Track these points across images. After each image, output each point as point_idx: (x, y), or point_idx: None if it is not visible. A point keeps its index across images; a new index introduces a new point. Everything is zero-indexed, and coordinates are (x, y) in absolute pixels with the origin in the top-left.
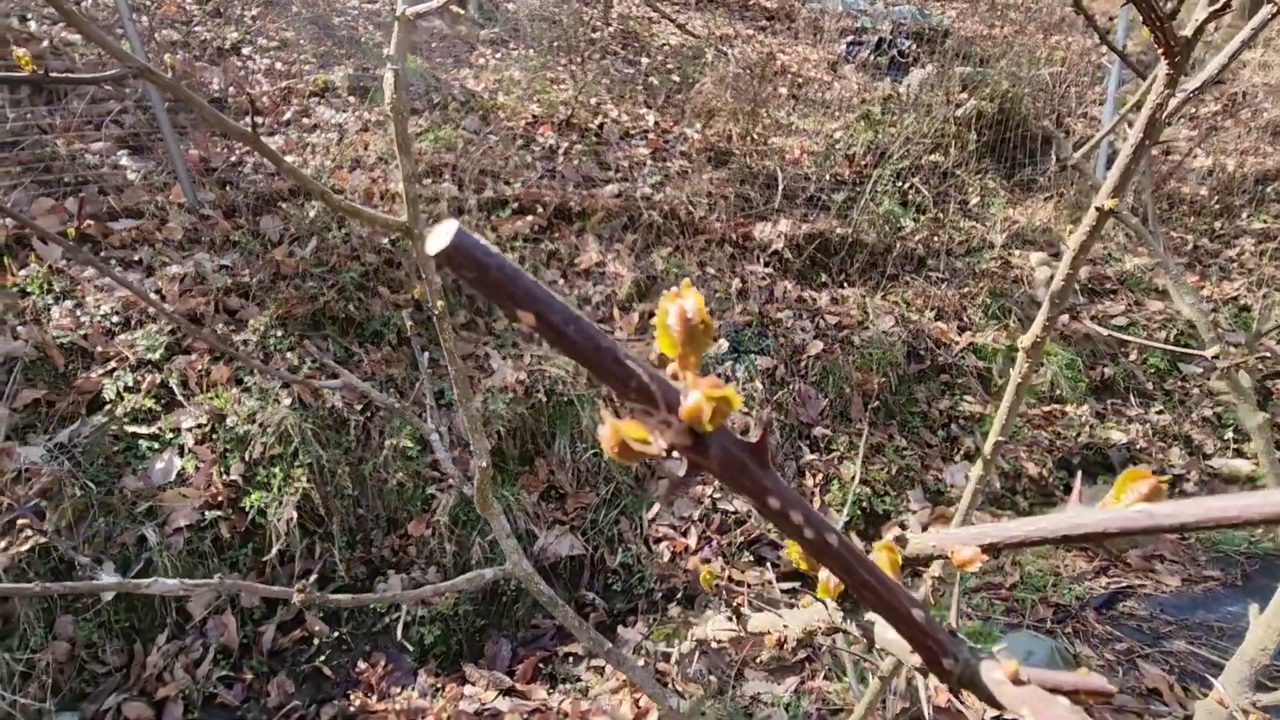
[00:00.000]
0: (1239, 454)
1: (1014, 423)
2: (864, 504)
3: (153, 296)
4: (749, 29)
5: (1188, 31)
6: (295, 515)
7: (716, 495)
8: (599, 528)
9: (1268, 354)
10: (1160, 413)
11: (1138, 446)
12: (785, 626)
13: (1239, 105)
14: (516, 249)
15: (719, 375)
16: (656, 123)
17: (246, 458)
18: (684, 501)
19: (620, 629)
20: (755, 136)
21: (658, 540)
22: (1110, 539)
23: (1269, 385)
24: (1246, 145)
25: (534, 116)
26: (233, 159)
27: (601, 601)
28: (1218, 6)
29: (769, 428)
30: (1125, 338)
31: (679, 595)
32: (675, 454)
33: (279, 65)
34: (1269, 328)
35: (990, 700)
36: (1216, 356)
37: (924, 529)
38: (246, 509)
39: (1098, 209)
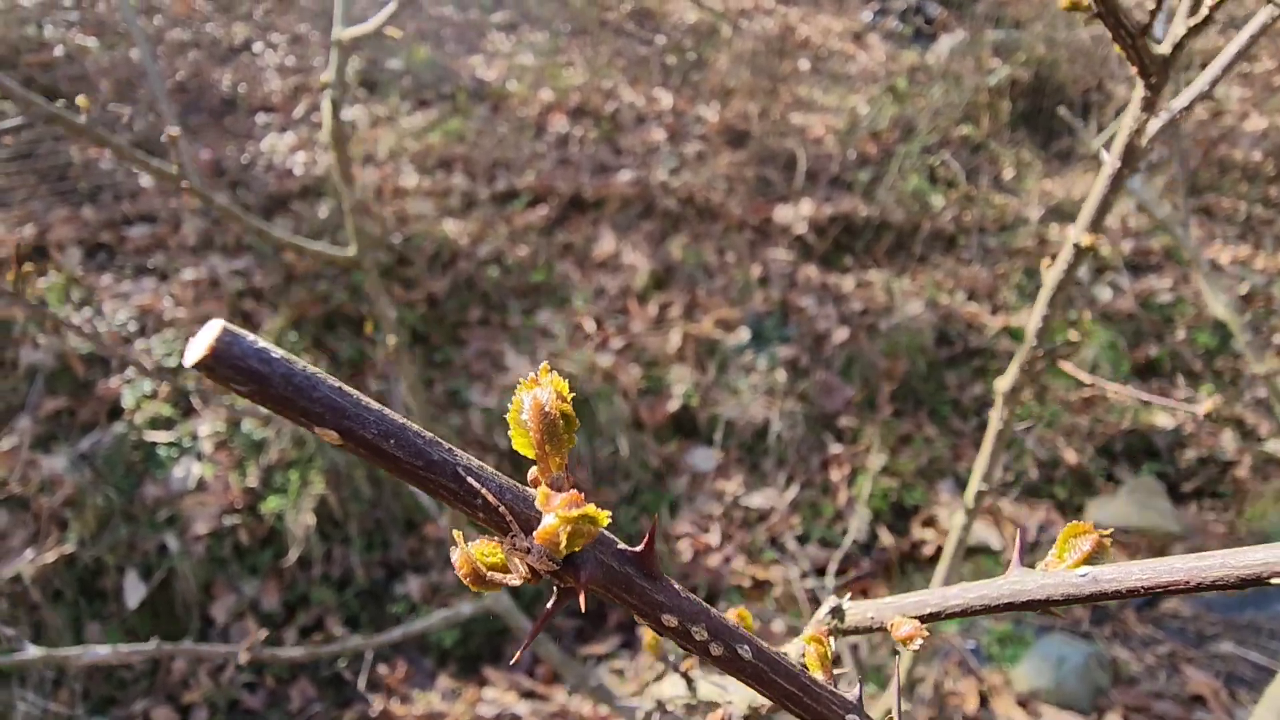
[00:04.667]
0: None
1: (997, 470)
2: (893, 497)
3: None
4: (769, 0)
5: (1164, 49)
6: (313, 520)
7: (739, 492)
8: (619, 526)
9: None
10: (1210, 394)
11: (1186, 431)
12: (729, 702)
13: None
14: (530, 243)
15: (740, 366)
16: (673, 104)
17: (263, 463)
18: (705, 498)
19: (640, 630)
20: (775, 115)
21: (679, 538)
22: (1055, 604)
23: None
24: None
25: (546, 103)
26: (244, 160)
27: None
28: (1198, 20)
29: (654, 533)
30: (1096, 380)
31: (700, 594)
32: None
33: (290, 61)
34: None
35: None
36: (1209, 414)
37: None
38: (264, 514)
39: (1075, 246)
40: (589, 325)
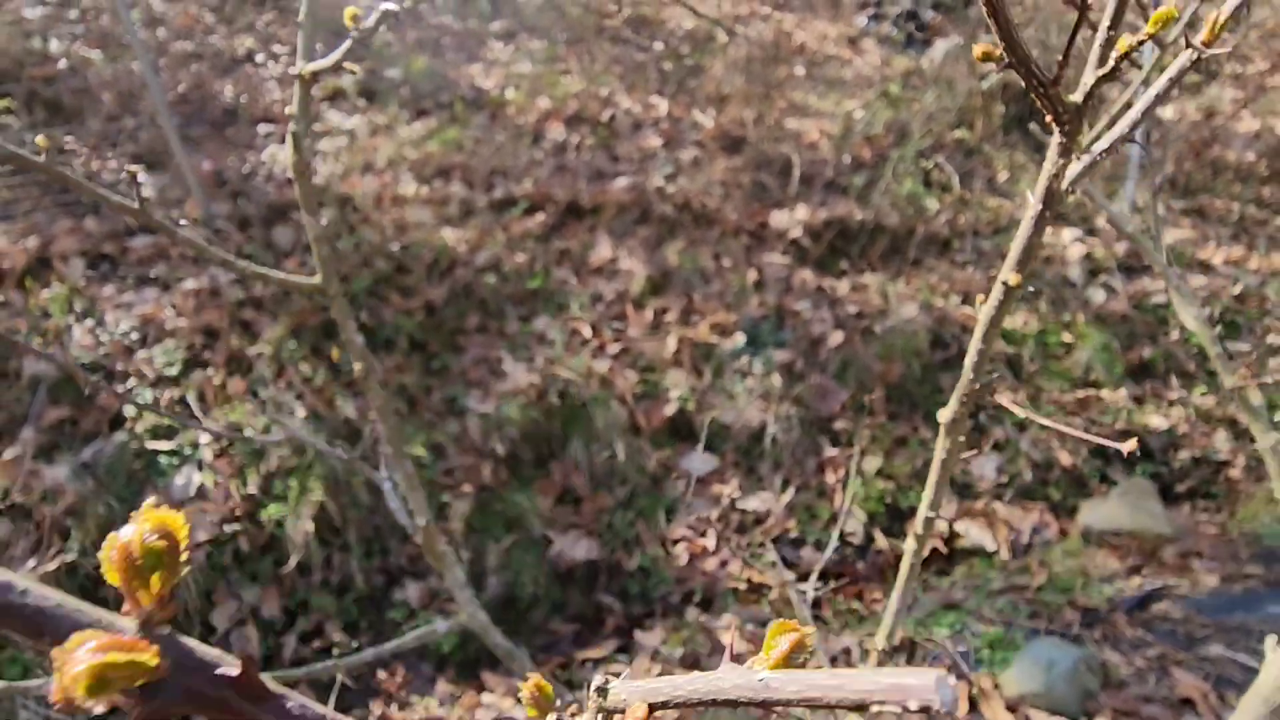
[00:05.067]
0: None
1: (943, 498)
2: (888, 500)
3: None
4: (765, 6)
5: (1077, 97)
6: (313, 526)
7: (735, 495)
8: (615, 530)
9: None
10: (1204, 394)
11: (1179, 432)
12: None
13: None
14: (527, 249)
15: (736, 370)
16: (669, 110)
17: (263, 470)
18: (702, 501)
19: (638, 633)
20: (770, 121)
21: (675, 542)
22: (743, 705)
23: None
24: None
25: (543, 110)
26: (245, 170)
27: (619, 605)
28: (1106, 70)
29: (253, 661)
30: (1030, 413)
31: (696, 598)
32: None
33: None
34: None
35: None
36: (1133, 453)
37: (950, 524)
38: (264, 522)
39: (1004, 284)
40: (586, 331)
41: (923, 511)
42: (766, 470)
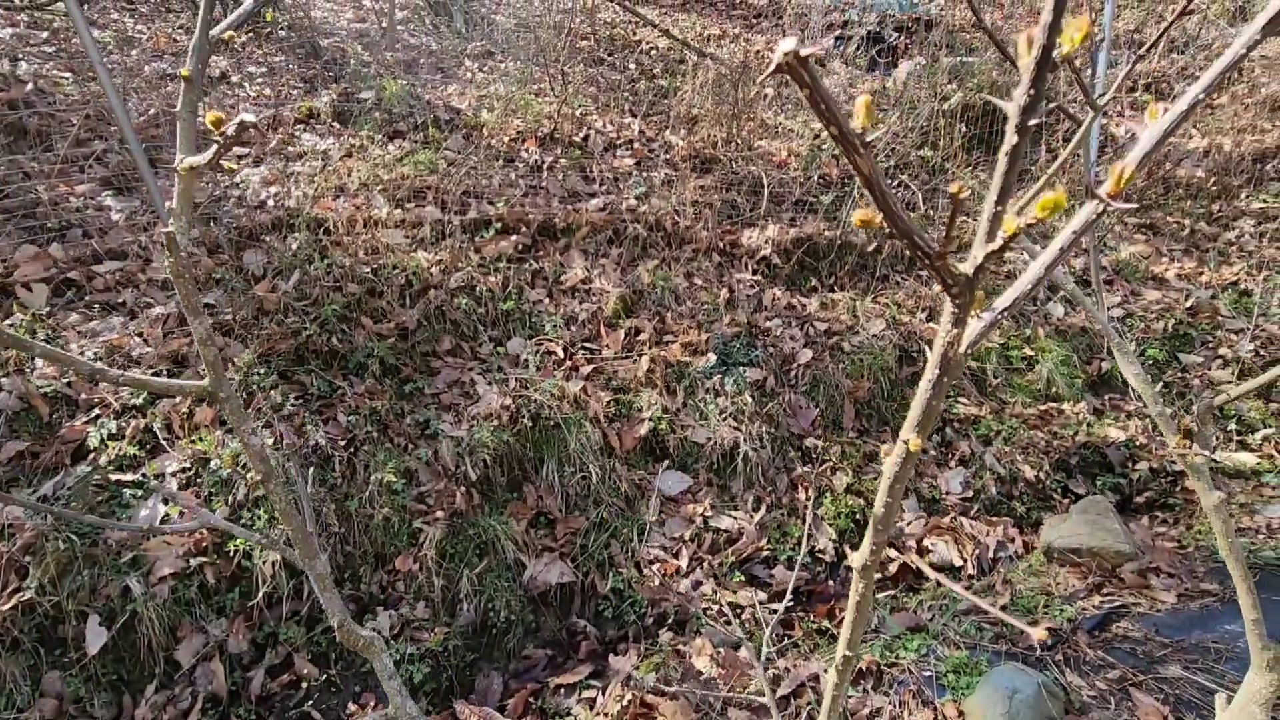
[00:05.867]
0: (1243, 446)
1: (859, 636)
2: (857, 516)
3: None
4: (736, 27)
5: (967, 268)
6: (280, 557)
7: (708, 514)
8: (589, 553)
9: (1205, 446)
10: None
11: (1137, 443)
12: None
13: (1234, 81)
14: (501, 271)
15: (709, 389)
16: (641, 131)
17: (231, 501)
18: (676, 521)
19: (612, 658)
20: (739, 141)
21: (649, 563)
22: None
23: None
24: (1244, 123)
25: (518, 131)
26: (216, 193)
27: (593, 629)
28: (995, 248)
29: None
30: (939, 578)
31: (670, 620)
32: None
33: (267, 91)
34: (1219, 400)
35: None
36: (1044, 642)
37: (919, 541)
38: (232, 553)
39: (904, 442)
40: (559, 352)
41: (840, 649)
42: (739, 489)
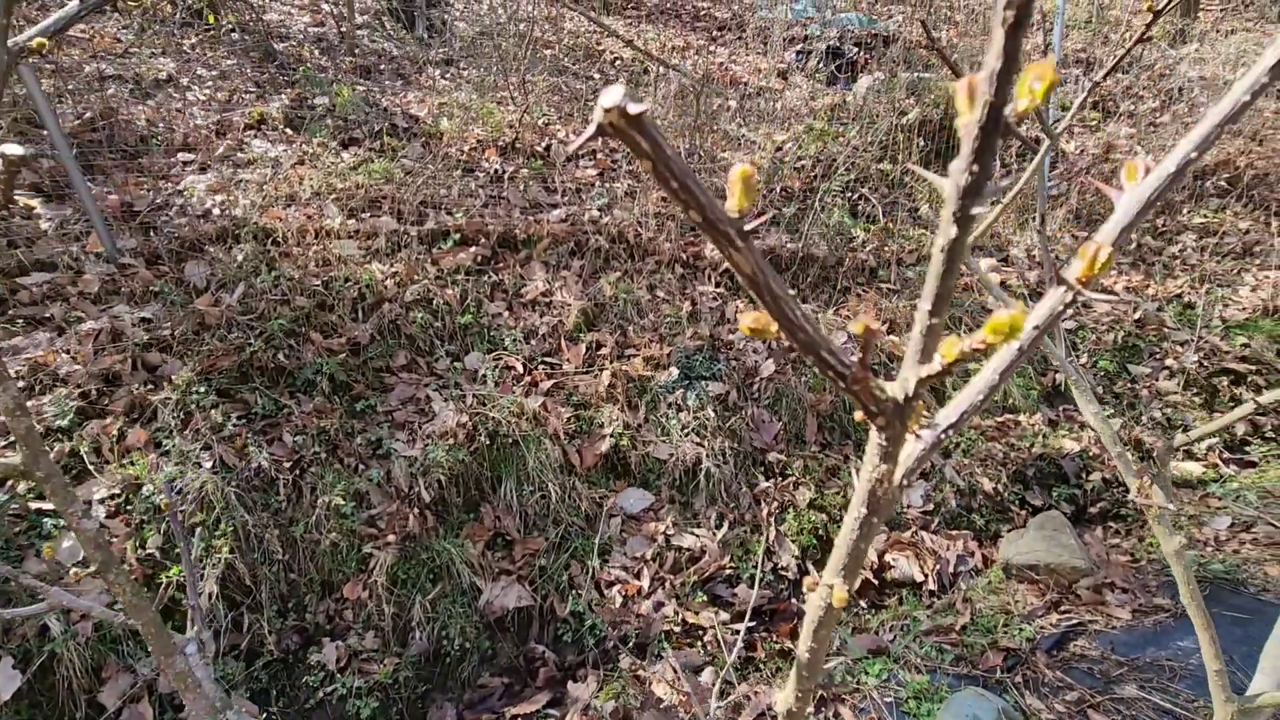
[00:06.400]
0: (1189, 456)
1: None
2: (820, 532)
3: None
4: (700, 40)
5: (896, 393)
6: (217, 588)
7: (670, 532)
8: (548, 574)
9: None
10: (1111, 416)
11: (1090, 454)
12: None
13: (1175, 100)
14: (459, 283)
15: (671, 404)
16: (604, 141)
17: (164, 529)
18: (637, 540)
19: (571, 684)
20: (702, 153)
21: (609, 584)
22: None
23: (1215, 383)
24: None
25: (478, 140)
26: (158, 201)
27: (552, 655)
28: (932, 373)
29: None
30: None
31: (630, 643)
32: None
33: (219, 96)
34: (1179, 442)
35: None
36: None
37: (880, 556)
38: (163, 585)
39: (828, 586)
40: (518, 367)
41: None
42: (701, 505)
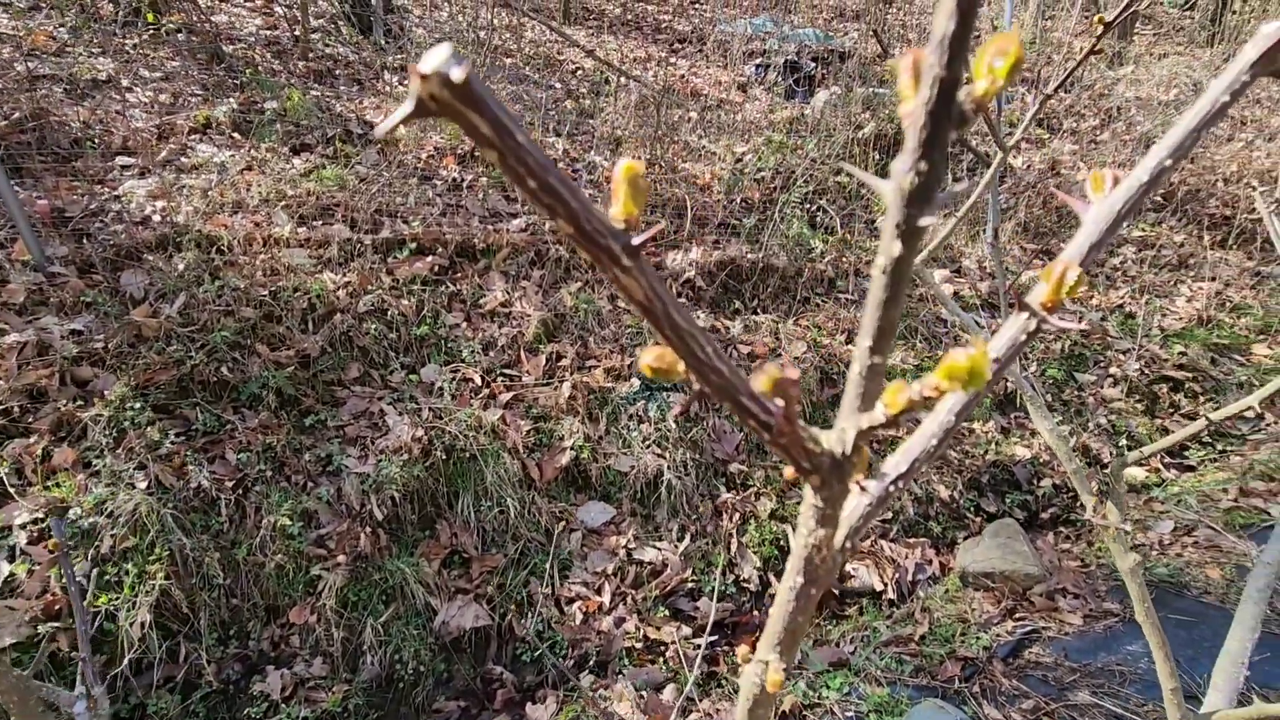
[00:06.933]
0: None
1: None
2: (781, 542)
3: None
4: (661, 52)
5: (834, 447)
6: (150, 616)
7: (631, 546)
8: (507, 592)
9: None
10: (1060, 423)
11: (1041, 460)
12: None
13: (1114, 119)
14: (415, 294)
15: (631, 416)
16: (566, 150)
17: (94, 554)
18: (598, 554)
19: (530, 706)
20: (663, 164)
21: (570, 601)
22: None
23: (1155, 390)
24: (1123, 157)
25: (435, 147)
26: (93, 207)
27: (510, 676)
28: (875, 424)
29: None
30: None
31: (592, 662)
32: None
33: (162, 98)
34: (1134, 457)
35: None
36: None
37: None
38: (92, 615)
39: (763, 664)
40: (476, 379)
41: None
42: (663, 517)
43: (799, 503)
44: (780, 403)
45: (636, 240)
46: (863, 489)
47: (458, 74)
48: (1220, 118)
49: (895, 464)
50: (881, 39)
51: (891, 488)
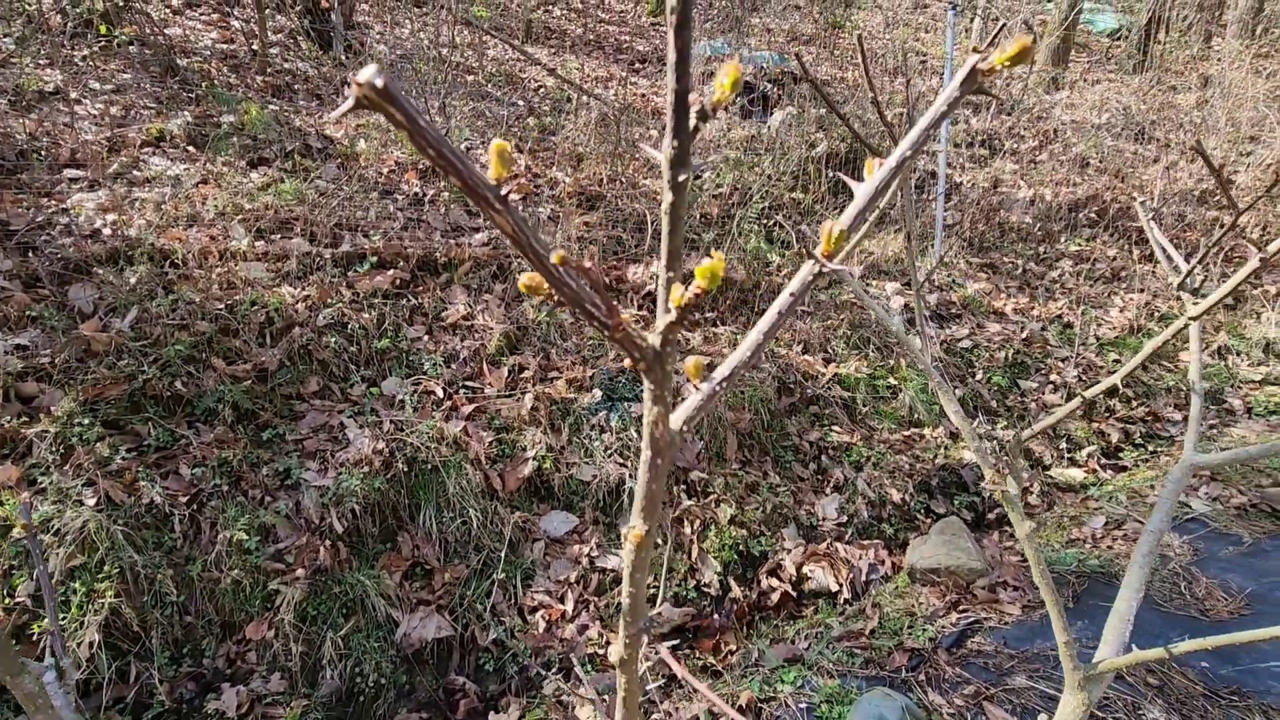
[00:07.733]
0: (1073, 463)
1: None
2: (740, 547)
3: None
4: (622, 70)
5: (654, 341)
6: (99, 636)
7: (594, 554)
8: (469, 603)
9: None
10: (1005, 428)
11: None
12: None
13: (1051, 140)
14: (376, 307)
15: (594, 426)
16: (528, 166)
17: (36, 575)
18: (561, 563)
19: (492, 715)
20: (624, 179)
21: (533, 610)
22: None
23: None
24: (1060, 176)
25: (396, 162)
26: (39, 220)
27: (473, 686)
28: (672, 320)
29: None
30: None
31: (554, 669)
32: None
33: (114, 111)
34: (1028, 434)
35: None
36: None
37: (798, 568)
38: (35, 636)
39: (630, 528)
40: (438, 392)
41: None
42: (626, 525)
43: (757, 508)
44: (616, 305)
45: (505, 190)
46: (697, 388)
47: (379, 82)
48: (943, 121)
49: (720, 371)
50: (803, 61)
51: (718, 387)
